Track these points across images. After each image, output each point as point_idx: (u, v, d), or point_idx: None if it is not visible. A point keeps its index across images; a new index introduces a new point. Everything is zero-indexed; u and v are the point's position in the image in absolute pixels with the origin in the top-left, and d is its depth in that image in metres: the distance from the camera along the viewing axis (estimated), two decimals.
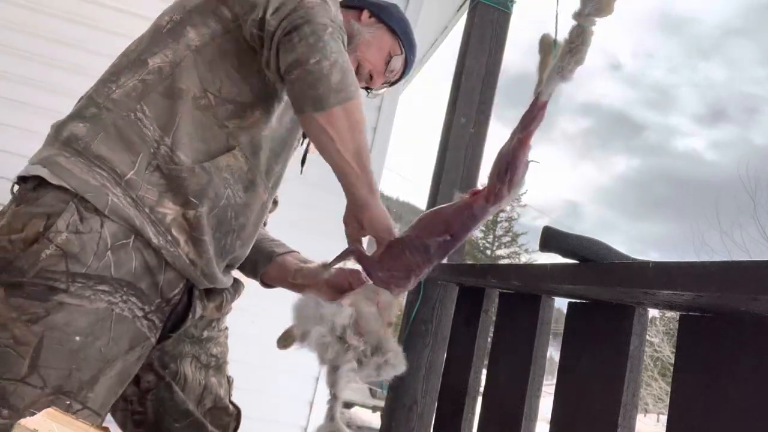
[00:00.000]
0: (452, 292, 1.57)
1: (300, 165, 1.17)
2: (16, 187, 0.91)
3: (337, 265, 1.02)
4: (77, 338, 0.82)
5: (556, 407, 0.90)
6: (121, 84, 0.90)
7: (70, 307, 0.81)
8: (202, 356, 1.13)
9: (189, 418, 1.09)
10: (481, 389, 1.17)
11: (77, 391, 0.83)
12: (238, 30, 0.93)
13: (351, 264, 0.99)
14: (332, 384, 0.83)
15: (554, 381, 0.91)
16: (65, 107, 1.00)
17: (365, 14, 1.17)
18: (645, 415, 18.94)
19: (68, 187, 0.83)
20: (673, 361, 0.73)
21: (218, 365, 1.17)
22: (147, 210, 0.87)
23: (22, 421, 0.48)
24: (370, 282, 0.92)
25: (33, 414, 0.52)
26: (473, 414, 1.25)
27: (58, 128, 0.90)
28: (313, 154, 1.14)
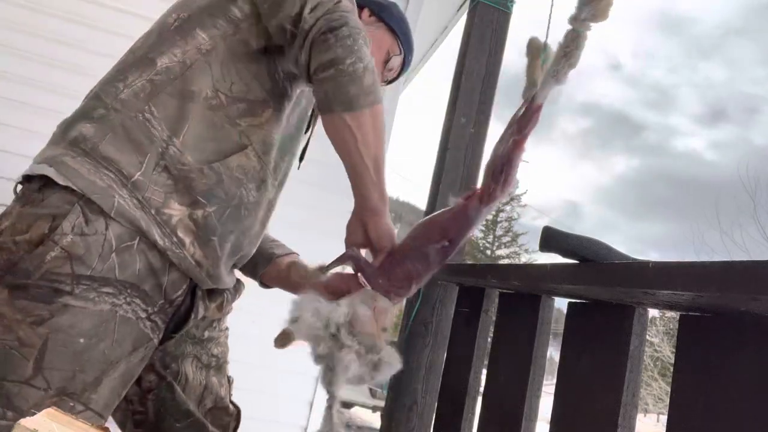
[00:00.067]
0: (452, 292, 1.57)
1: (298, 161, 1.17)
2: (20, 186, 0.91)
3: (335, 270, 1.02)
4: (81, 340, 0.82)
5: (556, 407, 0.90)
6: (128, 83, 0.90)
7: (75, 309, 0.81)
8: (203, 356, 1.13)
9: (190, 418, 1.09)
10: (481, 389, 1.17)
11: (80, 392, 0.83)
12: (250, 29, 0.93)
13: (348, 269, 0.99)
14: (328, 383, 0.83)
15: (554, 381, 0.91)
16: (65, 107, 1.00)
17: (365, 12, 1.17)
18: (645, 415, 18.94)
19: (75, 187, 0.83)
20: (673, 361, 0.73)
21: (219, 365, 1.17)
22: (153, 211, 0.86)
23: (22, 421, 0.48)
24: (369, 287, 0.91)
25: (33, 414, 0.52)
26: (473, 414, 1.25)
27: (66, 127, 0.90)
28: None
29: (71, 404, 0.81)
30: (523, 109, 0.83)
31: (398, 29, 1.18)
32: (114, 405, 0.90)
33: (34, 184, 0.86)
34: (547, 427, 0.90)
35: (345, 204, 0.92)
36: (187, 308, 0.97)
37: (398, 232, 0.95)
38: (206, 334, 1.13)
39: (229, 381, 1.20)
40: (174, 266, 0.89)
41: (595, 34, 0.74)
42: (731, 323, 0.66)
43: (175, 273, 0.90)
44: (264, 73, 0.95)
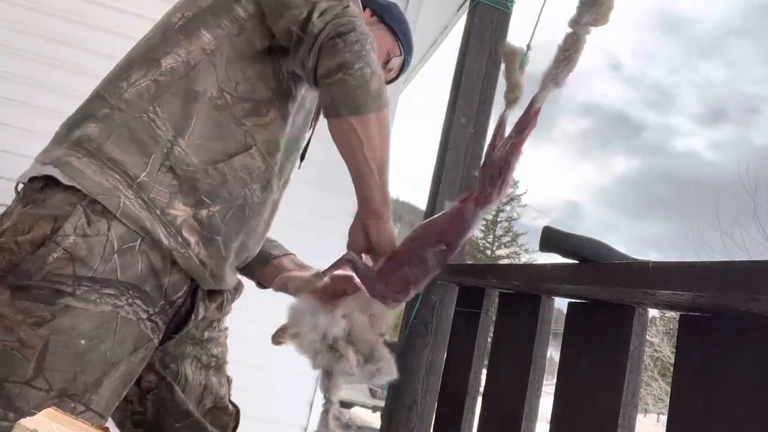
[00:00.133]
0: (452, 292, 1.57)
1: (299, 160, 1.17)
2: (20, 185, 0.90)
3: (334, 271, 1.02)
4: (82, 341, 0.82)
5: (556, 407, 0.90)
6: (132, 83, 0.90)
7: (76, 310, 0.81)
8: (203, 357, 1.13)
9: (189, 418, 1.09)
10: (481, 389, 1.17)
11: (82, 393, 0.82)
12: (254, 29, 0.93)
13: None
14: (326, 389, 0.84)
15: (554, 381, 0.91)
16: (65, 107, 1.00)
17: (367, 13, 1.17)
18: (645, 415, 18.94)
19: (80, 188, 0.83)
20: (673, 361, 0.73)
21: (218, 365, 1.17)
22: (158, 212, 0.86)
23: (22, 421, 0.48)
24: (365, 292, 0.91)
25: (33, 414, 0.52)
26: (473, 414, 1.25)
27: (69, 127, 0.90)
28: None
29: (72, 405, 0.81)
30: (509, 113, 0.83)
31: (399, 30, 1.19)
32: (114, 405, 0.90)
33: (36, 184, 0.86)
34: (547, 427, 0.90)
35: (345, 204, 0.92)
36: (188, 309, 0.97)
37: (398, 232, 0.95)
38: (206, 334, 1.13)
39: (228, 381, 1.20)
40: (175, 267, 0.89)
41: (596, 34, 0.74)
42: (731, 323, 0.66)
43: (176, 274, 0.90)
44: (269, 72, 0.95)
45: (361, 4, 0.96)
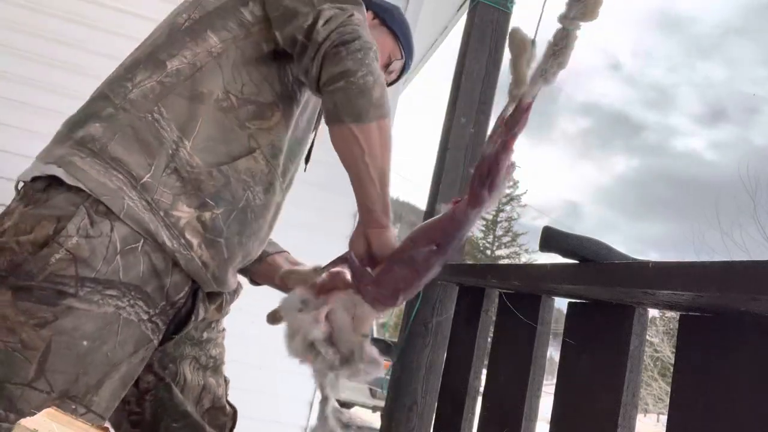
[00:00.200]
0: (452, 292, 1.57)
1: (304, 163, 1.17)
2: (21, 184, 0.90)
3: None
4: (85, 343, 0.81)
5: (556, 407, 0.90)
6: (137, 83, 0.89)
7: (79, 311, 0.81)
8: (202, 357, 1.13)
9: (187, 418, 1.09)
10: (481, 389, 1.18)
11: (83, 395, 0.82)
12: (260, 33, 0.93)
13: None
14: (320, 386, 0.84)
15: (554, 381, 0.91)
16: (65, 107, 1.00)
17: (369, 15, 1.17)
18: (645, 415, 18.94)
19: (85, 188, 0.83)
20: (673, 361, 0.73)
21: (216, 366, 1.17)
22: (162, 213, 0.86)
23: (23, 420, 0.48)
24: (356, 291, 0.91)
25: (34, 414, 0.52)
26: (473, 414, 1.25)
27: (72, 126, 0.89)
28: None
29: (73, 407, 0.81)
30: (510, 109, 0.80)
31: (400, 34, 1.19)
32: (114, 406, 0.90)
33: (39, 184, 0.86)
34: (547, 427, 0.90)
35: (351, 206, 0.92)
36: (188, 310, 0.97)
37: (398, 232, 0.95)
38: (205, 335, 1.13)
39: (226, 381, 1.20)
40: (177, 268, 0.89)
41: (595, 34, 0.74)
42: (731, 323, 0.66)
43: (178, 275, 0.90)
44: (274, 76, 0.95)
45: (365, 9, 0.96)
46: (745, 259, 0.58)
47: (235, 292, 1.14)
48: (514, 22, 1.82)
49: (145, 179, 0.85)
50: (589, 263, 0.82)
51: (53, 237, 0.81)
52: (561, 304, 1.04)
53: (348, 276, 0.93)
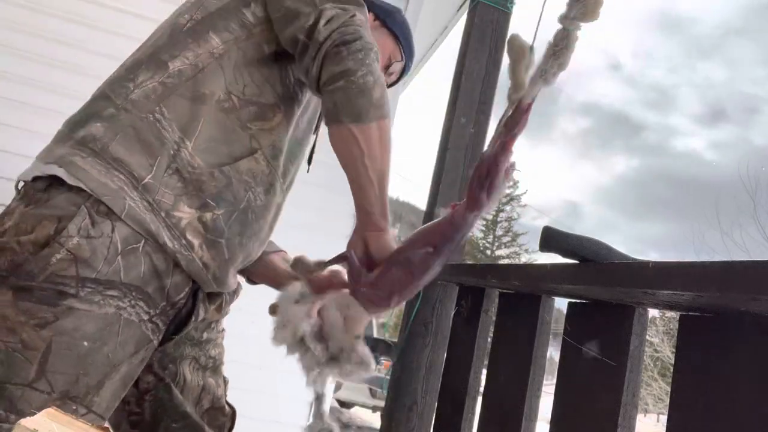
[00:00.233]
0: (452, 292, 1.57)
1: (307, 164, 1.17)
2: (21, 183, 0.90)
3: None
4: (85, 343, 0.81)
5: (556, 407, 0.90)
6: (139, 83, 0.89)
7: (79, 312, 0.81)
8: (201, 358, 1.13)
9: (187, 419, 1.09)
10: (481, 389, 1.18)
11: (84, 396, 0.82)
12: (261, 34, 0.93)
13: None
14: (312, 383, 0.85)
15: (554, 381, 0.91)
16: (65, 107, 1.00)
17: (370, 17, 1.17)
18: (645, 415, 18.94)
19: (86, 189, 0.82)
20: (673, 361, 0.73)
21: (216, 366, 1.17)
22: (163, 214, 0.86)
23: (22, 421, 0.48)
24: (351, 292, 0.90)
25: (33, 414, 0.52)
26: (473, 414, 1.25)
27: (73, 126, 0.89)
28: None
29: (74, 407, 0.81)
30: (511, 111, 0.79)
31: (401, 35, 1.19)
32: (115, 407, 0.89)
33: (40, 184, 0.86)
34: (547, 427, 0.90)
35: (351, 206, 0.91)
36: (188, 310, 0.97)
37: (398, 232, 0.95)
38: (204, 335, 1.13)
39: (225, 381, 1.20)
40: (178, 269, 0.89)
41: (595, 34, 0.74)
42: (731, 323, 0.66)
43: (179, 276, 0.90)
44: (276, 77, 0.95)
45: (366, 11, 0.96)
46: (745, 259, 0.59)
47: (235, 293, 1.14)
48: (514, 22, 1.82)
49: (146, 180, 0.85)
50: (589, 263, 0.82)
51: (54, 237, 0.81)
52: (561, 304, 1.04)
53: (345, 276, 0.93)
